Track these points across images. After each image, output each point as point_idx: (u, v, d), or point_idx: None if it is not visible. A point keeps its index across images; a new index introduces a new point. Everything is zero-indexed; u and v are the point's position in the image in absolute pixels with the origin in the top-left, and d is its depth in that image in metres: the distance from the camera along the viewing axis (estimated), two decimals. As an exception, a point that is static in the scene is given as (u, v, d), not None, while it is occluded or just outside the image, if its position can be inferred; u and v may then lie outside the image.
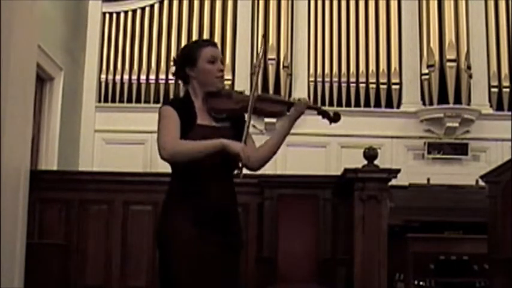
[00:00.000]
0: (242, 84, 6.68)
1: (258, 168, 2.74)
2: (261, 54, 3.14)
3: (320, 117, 2.73)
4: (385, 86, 6.79)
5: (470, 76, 6.65)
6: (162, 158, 2.54)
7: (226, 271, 2.59)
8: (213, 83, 2.68)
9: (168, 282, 2.56)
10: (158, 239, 2.64)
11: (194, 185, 2.58)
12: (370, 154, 4.56)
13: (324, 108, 2.75)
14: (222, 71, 2.70)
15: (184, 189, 2.61)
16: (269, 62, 6.71)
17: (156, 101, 6.86)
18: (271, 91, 6.60)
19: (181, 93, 6.70)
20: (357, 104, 6.78)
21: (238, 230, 2.70)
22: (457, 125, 6.64)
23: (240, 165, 2.51)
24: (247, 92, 2.74)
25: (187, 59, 2.70)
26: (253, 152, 2.67)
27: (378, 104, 6.79)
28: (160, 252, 2.61)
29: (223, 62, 2.77)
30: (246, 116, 2.63)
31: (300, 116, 2.68)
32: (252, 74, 6.83)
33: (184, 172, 2.61)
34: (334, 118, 2.71)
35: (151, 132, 6.70)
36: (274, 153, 2.71)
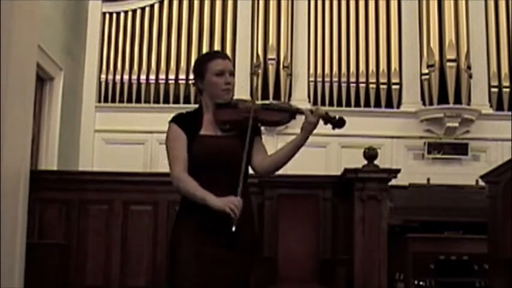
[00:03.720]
0: (242, 84, 6.68)
1: (267, 175, 2.77)
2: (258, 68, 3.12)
3: (322, 122, 2.72)
4: (385, 86, 6.79)
5: (470, 76, 6.64)
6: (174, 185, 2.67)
7: (233, 274, 2.62)
8: (220, 95, 2.72)
9: None
10: (170, 248, 2.73)
11: None
12: (370, 154, 4.56)
13: (330, 114, 2.74)
14: (229, 83, 2.72)
15: (189, 199, 2.66)
16: (269, 62, 6.71)
17: (156, 101, 6.86)
18: (271, 91, 6.61)
19: (181, 94, 6.78)
20: (357, 104, 6.78)
21: (246, 233, 2.68)
22: (457, 125, 6.64)
23: (231, 220, 2.49)
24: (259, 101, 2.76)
25: (197, 72, 2.77)
26: (264, 158, 2.73)
27: (378, 104, 6.79)
28: (170, 260, 2.69)
29: (232, 73, 2.78)
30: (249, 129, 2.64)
31: (315, 128, 2.67)
32: (252, 74, 6.83)
33: None
34: (338, 123, 2.70)
35: (151, 132, 6.78)
36: (285, 163, 2.74)
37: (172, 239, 2.68)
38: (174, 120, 2.74)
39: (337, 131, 2.78)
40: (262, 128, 2.84)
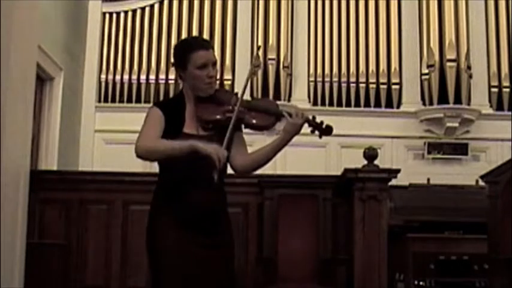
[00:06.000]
0: (242, 84, 6.67)
1: (246, 174, 2.70)
2: (254, 65, 3.01)
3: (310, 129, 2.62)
4: (385, 86, 6.79)
5: (470, 76, 6.65)
6: (137, 154, 2.53)
7: (213, 272, 2.57)
8: (202, 89, 2.61)
9: (157, 284, 2.57)
10: (146, 241, 2.65)
11: (177, 188, 2.57)
12: (370, 154, 4.56)
13: (317, 120, 2.63)
14: (212, 77, 2.60)
15: (168, 192, 2.60)
16: (269, 62, 6.71)
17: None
18: (271, 91, 6.60)
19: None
20: (357, 104, 6.77)
21: (224, 229, 2.65)
22: (457, 125, 6.64)
23: (215, 167, 2.42)
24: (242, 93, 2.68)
25: (178, 61, 2.64)
26: (244, 156, 2.65)
27: (378, 104, 6.79)
28: (148, 254, 2.63)
29: (215, 64, 2.66)
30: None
31: (298, 131, 2.59)
32: (252, 74, 6.82)
33: (167, 175, 2.61)
34: (325, 130, 2.61)
35: (151, 132, 6.75)
36: (265, 163, 2.66)
37: (150, 240, 2.61)
38: (157, 105, 2.67)
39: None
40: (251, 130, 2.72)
